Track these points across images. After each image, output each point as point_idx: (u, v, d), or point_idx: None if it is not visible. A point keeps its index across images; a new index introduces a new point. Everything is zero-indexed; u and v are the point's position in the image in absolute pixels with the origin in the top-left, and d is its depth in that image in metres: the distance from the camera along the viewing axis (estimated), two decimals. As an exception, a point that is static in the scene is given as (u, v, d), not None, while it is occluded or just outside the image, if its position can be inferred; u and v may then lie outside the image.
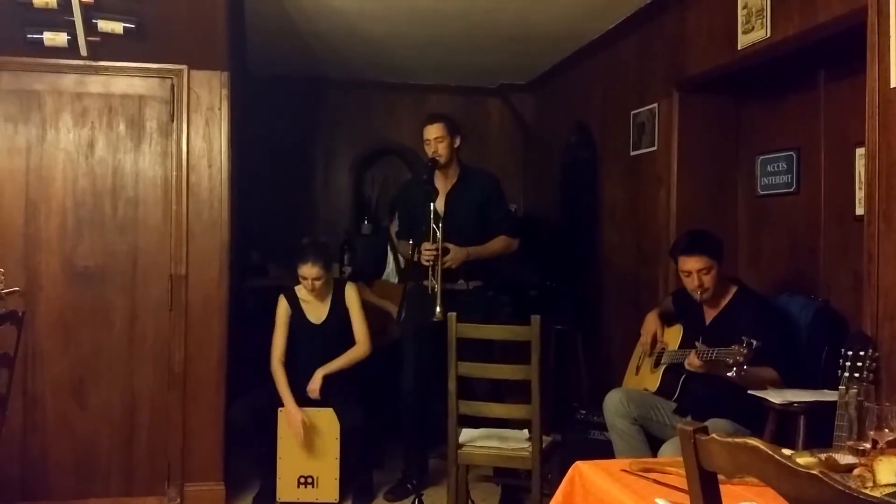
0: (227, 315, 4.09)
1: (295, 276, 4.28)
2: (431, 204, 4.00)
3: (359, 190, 6.69)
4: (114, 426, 3.98)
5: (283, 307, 4.30)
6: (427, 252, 3.95)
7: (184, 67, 4.00)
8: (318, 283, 4.20)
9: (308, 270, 4.17)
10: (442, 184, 4.19)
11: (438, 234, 3.96)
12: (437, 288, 3.90)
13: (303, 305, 4.32)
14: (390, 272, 5.11)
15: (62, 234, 3.94)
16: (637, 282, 4.72)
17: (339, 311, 4.33)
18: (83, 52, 3.83)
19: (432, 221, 3.97)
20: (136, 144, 4.00)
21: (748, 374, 3.01)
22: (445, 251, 3.97)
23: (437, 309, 3.82)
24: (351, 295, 4.35)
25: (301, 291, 4.33)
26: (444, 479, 3.84)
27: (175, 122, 4.00)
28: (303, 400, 4.16)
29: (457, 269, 4.04)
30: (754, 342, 2.94)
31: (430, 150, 4.12)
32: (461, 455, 3.39)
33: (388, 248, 5.14)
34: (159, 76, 4.00)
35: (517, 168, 6.72)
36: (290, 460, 4.16)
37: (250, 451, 4.25)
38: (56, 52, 3.83)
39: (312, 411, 4.17)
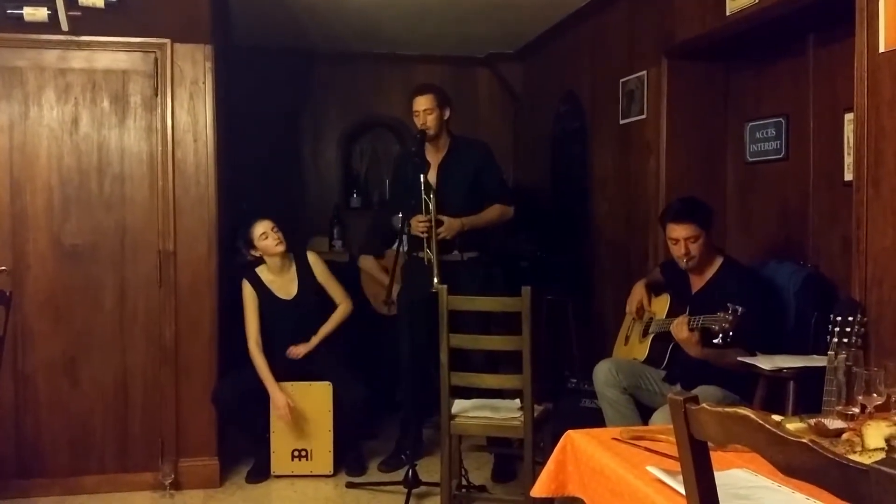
0: (216, 291, 4.08)
1: (252, 259, 4.25)
2: (422, 176, 3.98)
3: (347, 163, 6.64)
4: (107, 403, 3.98)
5: (248, 292, 4.22)
6: (420, 224, 3.94)
7: (167, 41, 3.94)
8: (279, 233, 4.15)
9: (263, 224, 4.15)
10: (433, 156, 4.16)
11: (431, 206, 3.94)
12: (434, 259, 3.89)
13: (269, 285, 4.25)
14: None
15: (49, 213, 3.90)
16: (627, 251, 4.73)
17: (308, 283, 4.28)
18: (64, 27, 3.78)
19: (424, 193, 3.95)
20: (120, 120, 3.95)
21: (722, 355, 3.06)
22: (439, 223, 3.95)
23: (435, 280, 3.82)
24: (315, 262, 4.32)
25: (263, 272, 4.26)
26: (437, 450, 3.87)
27: (159, 96, 3.96)
28: (294, 373, 4.17)
29: (452, 240, 4.02)
30: (739, 308, 2.97)
31: (418, 122, 4.08)
32: (454, 425, 3.40)
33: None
34: (142, 50, 3.95)
35: (507, 139, 6.67)
36: (283, 434, 4.18)
37: (239, 429, 4.26)
38: (37, 27, 3.78)
39: (305, 385, 4.18)
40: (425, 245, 3.96)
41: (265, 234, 4.16)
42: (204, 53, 3.99)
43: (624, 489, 1.90)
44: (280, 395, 4.10)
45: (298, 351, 4.20)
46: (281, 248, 4.17)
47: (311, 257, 4.35)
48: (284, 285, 4.28)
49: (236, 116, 5.31)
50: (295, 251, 4.34)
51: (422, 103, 4.05)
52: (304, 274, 4.29)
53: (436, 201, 3.95)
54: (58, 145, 3.90)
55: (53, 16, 3.74)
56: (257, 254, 4.21)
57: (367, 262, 5.17)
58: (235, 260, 4.42)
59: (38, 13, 3.74)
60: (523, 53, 6.43)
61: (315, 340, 4.21)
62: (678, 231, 3.37)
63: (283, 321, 4.25)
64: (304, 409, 4.18)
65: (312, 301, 4.29)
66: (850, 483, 1.05)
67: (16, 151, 3.86)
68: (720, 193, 4.29)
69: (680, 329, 3.25)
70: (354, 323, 4.45)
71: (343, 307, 4.32)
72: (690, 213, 3.37)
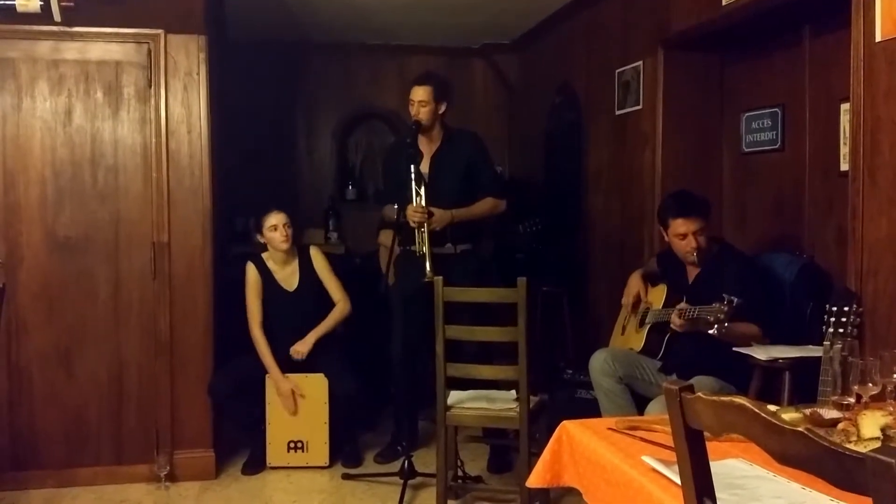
0: (211, 282, 4.06)
1: (261, 244, 4.26)
2: (412, 166, 3.96)
3: (342, 155, 6.62)
4: (102, 395, 3.97)
5: (252, 274, 4.24)
6: (416, 214, 3.92)
7: (160, 32, 3.92)
8: (289, 230, 4.17)
9: (277, 217, 4.16)
10: (426, 147, 4.14)
11: (423, 197, 3.93)
12: (426, 249, 3.88)
13: (273, 273, 4.26)
14: None
15: (42, 205, 3.89)
16: (622, 242, 4.72)
17: (310, 277, 4.29)
18: (57, 17, 3.75)
19: (415, 184, 3.94)
20: (114, 111, 3.93)
21: (730, 330, 3.03)
22: (429, 214, 3.94)
23: (428, 269, 3.80)
24: (317, 258, 4.32)
25: (269, 260, 4.27)
26: (433, 441, 3.87)
27: (153, 87, 3.94)
28: (288, 365, 4.17)
29: (443, 232, 4.01)
30: (735, 299, 2.96)
31: (413, 111, 4.06)
32: (450, 416, 3.40)
33: None
34: (136, 41, 3.93)
35: (502, 130, 6.66)
36: (279, 425, 4.17)
37: (232, 421, 4.25)
38: (29, 18, 3.75)
39: (300, 377, 4.18)
40: (416, 237, 3.95)
41: (275, 227, 4.16)
42: (198, 44, 3.97)
43: (619, 479, 1.90)
44: (285, 382, 4.11)
45: (300, 351, 4.15)
46: (285, 246, 4.19)
47: (313, 251, 4.35)
48: (287, 277, 4.29)
49: (230, 108, 5.29)
50: (298, 244, 4.34)
51: (419, 94, 4.03)
52: (306, 267, 4.30)
53: (426, 192, 3.94)
54: (51, 137, 3.88)
55: (46, 6, 3.71)
56: (263, 240, 4.23)
57: (385, 237, 5.08)
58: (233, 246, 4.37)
59: (31, 4, 3.71)
60: (519, 44, 6.41)
61: (311, 338, 4.18)
62: (688, 225, 3.34)
63: (285, 312, 4.24)
64: (300, 401, 4.17)
65: (314, 295, 4.28)
66: (846, 472, 1.05)
67: (9, 143, 3.84)
68: (716, 184, 4.28)
69: (676, 322, 3.25)
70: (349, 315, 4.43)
71: (340, 306, 4.29)
72: (697, 206, 3.36)
